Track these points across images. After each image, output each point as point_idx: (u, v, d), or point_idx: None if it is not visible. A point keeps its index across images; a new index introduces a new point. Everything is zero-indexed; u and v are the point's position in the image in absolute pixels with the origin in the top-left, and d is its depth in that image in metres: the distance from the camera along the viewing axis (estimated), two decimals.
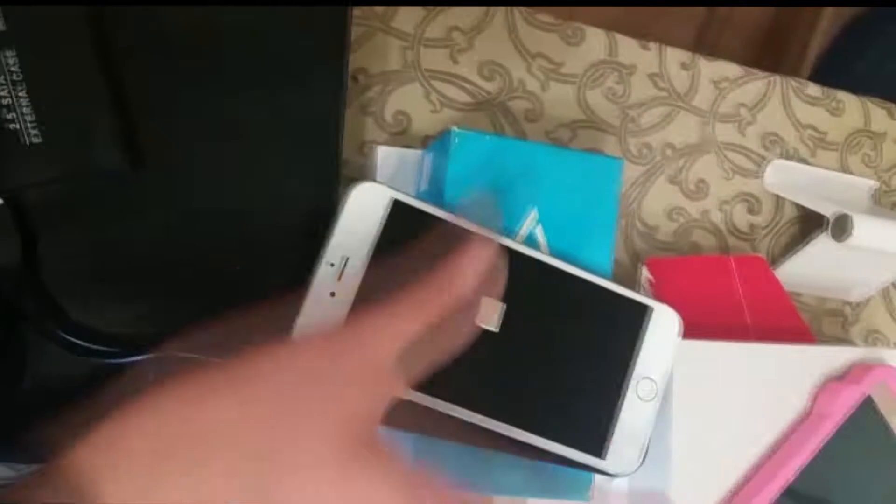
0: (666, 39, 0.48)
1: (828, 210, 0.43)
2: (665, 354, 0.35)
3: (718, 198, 0.47)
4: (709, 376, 0.36)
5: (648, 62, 0.47)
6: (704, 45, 1.21)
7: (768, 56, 1.15)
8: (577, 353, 0.34)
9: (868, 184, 0.50)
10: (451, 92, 0.43)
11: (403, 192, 0.32)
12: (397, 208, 0.32)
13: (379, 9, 0.42)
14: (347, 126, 0.41)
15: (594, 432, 0.34)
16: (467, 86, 0.44)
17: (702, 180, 0.47)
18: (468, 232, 0.29)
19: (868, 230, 0.41)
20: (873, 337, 0.50)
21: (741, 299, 0.41)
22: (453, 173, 0.33)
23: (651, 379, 0.35)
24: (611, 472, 0.34)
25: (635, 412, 0.35)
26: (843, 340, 0.49)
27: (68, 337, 0.32)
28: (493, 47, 0.44)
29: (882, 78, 0.72)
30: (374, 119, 0.42)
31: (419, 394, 0.31)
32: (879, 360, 0.38)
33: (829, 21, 0.86)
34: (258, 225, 0.34)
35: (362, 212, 0.32)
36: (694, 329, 0.40)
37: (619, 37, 0.46)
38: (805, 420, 0.38)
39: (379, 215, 0.32)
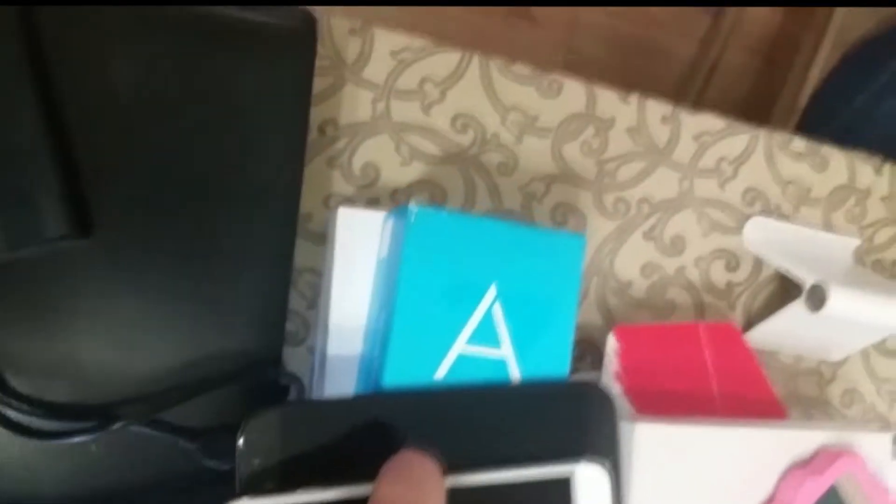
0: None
1: (804, 277, 0.42)
2: None
3: (695, 254, 0.46)
4: (670, 460, 0.36)
5: (627, 116, 0.46)
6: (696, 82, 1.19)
7: (758, 101, 1.14)
8: None
9: (850, 242, 0.48)
10: (422, 144, 0.42)
11: (270, 497, 0.30)
12: None
13: (349, 59, 0.41)
14: (313, 178, 0.41)
15: None
16: (439, 138, 0.43)
17: (678, 236, 0.46)
18: None
19: (843, 302, 0.40)
20: (850, 396, 0.49)
21: (709, 367, 0.40)
22: (410, 250, 0.33)
23: None
24: None
25: None
26: (818, 401, 0.48)
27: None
28: (466, 99, 0.43)
29: (878, 113, 0.70)
30: (342, 171, 0.41)
31: None
32: (848, 445, 0.37)
33: (827, 53, 0.84)
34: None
35: None
36: (660, 398, 0.39)
37: (598, 90, 0.45)
38: None
39: None
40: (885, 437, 0.39)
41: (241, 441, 0.30)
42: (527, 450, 0.33)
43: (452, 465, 0.30)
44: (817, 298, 0.40)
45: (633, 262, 0.45)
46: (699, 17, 1.20)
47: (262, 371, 0.34)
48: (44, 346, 0.32)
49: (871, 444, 0.38)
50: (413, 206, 0.33)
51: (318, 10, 0.40)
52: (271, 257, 0.36)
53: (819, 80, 0.80)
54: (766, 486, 0.37)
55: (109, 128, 0.33)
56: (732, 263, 0.47)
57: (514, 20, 1.17)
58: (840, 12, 0.87)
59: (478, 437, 0.33)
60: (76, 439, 0.31)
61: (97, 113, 0.33)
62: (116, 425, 0.31)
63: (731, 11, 1.14)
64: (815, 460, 0.37)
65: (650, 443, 0.35)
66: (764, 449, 0.37)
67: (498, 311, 0.34)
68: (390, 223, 0.36)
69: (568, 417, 0.34)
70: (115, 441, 0.32)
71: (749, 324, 0.47)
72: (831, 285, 0.40)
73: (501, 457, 0.32)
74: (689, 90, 1.14)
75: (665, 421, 0.36)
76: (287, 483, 0.30)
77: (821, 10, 0.90)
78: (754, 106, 1.15)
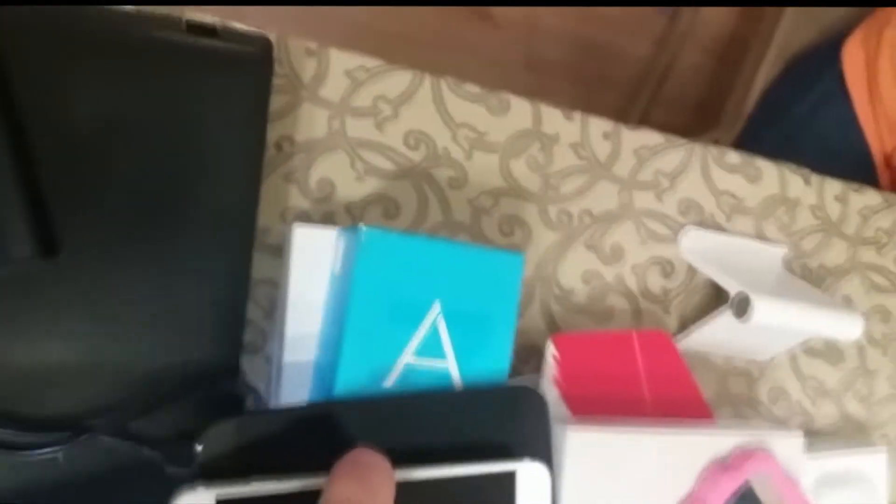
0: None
1: (732, 287, 0.45)
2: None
3: (633, 262, 0.49)
4: (599, 464, 0.39)
5: (571, 132, 0.48)
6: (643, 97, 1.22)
7: (711, 102, 1.18)
8: None
9: (779, 251, 0.52)
10: (376, 160, 0.45)
11: (226, 486, 0.31)
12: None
13: (306, 78, 0.43)
14: (270, 193, 0.43)
15: None
16: (392, 154, 0.45)
17: (617, 245, 0.49)
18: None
19: (767, 311, 0.43)
20: (776, 393, 0.53)
21: (642, 373, 0.43)
22: (361, 270, 0.35)
23: None
24: None
25: None
26: (748, 399, 0.52)
27: None
28: (418, 117, 0.45)
29: (816, 122, 0.74)
30: (298, 186, 0.43)
31: None
32: (762, 444, 0.41)
33: (773, 58, 0.88)
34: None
35: None
36: (594, 403, 0.42)
37: (543, 107, 0.48)
38: None
39: None
40: (797, 438, 0.43)
41: (199, 449, 0.32)
42: (469, 449, 0.36)
43: (401, 463, 0.33)
44: (742, 307, 0.44)
45: (574, 271, 0.48)
46: (655, 17, 1.23)
47: (221, 382, 0.36)
48: (8, 360, 0.33)
49: (783, 444, 0.42)
50: (363, 228, 0.35)
51: (277, 31, 0.42)
52: (230, 271, 0.38)
53: (764, 87, 0.83)
54: (687, 486, 0.40)
55: (70, 151, 0.34)
56: (668, 270, 0.50)
57: (474, 21, 1.19)
58: (786, 18, 0.91)
59: (424, 438, 0.36)
60: (47, 450, 0.33)
61: (58, 136, 0.34)
62: (84, 436, 0.33)
63: (686, 12, 1.17)
64: (730, 459, 0.40)
65: (581, 446, 0.38)
66: (686, 451, 0.40)
67: (442, 326, 0.36)
68: (343, 241, 0.38)
69: (506, 419, 0.37)
70: (80, 452, 0.33)
71: (683, 327, 0.50)
72: (755, 295, 0.43)
73: (446, 457, 0.35)
74: (644, 90, 1.18)
75: (595, 426, 0.39)
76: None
77: (768, 15, 0.93)
78: (706, 107, 1.19)
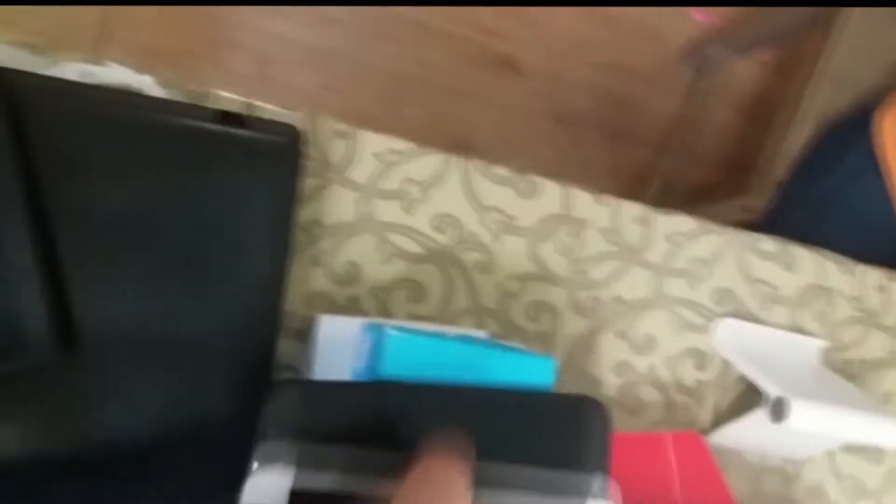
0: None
1: (768, 388, 0.43)
2: None
3: (666, 353, 0.48)
4: None
5: (601, 216, 0.47)
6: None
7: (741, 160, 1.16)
8: None
9: (817, 343, 0.50)
10: (404, 243, 0.44)
11: (300, 475, 0.32)
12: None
13: (335, 159, 0.43)
14: (297, 276, 0.42)
15: None
16: (419, 237, 0.44)
17: (650, 335, 0.47)
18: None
19: (805, 417, 0.41)
20: (815, 493, 0.50)
21: (675, 475, 0.41)
22: (387, 370, 0.34)
23: None
24: None
25: None
26: (784, 499, 0.49)
27: None
28: (446, 199, 0.44)
29: (847, 195, 0.72)
30: (324, 270, 0.42)
31: None
32: None
33: (801, 127, 0.87)
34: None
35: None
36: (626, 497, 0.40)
37: (573, 191, 0.47)
38: None
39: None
40: None
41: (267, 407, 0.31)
42: (527, 453, 0.34)
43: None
44: (779, 410, 0.42)
45: (604, 361, 0.47)
46: (682, 71, 1.23)
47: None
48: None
49: None
50: (390, 331, 0.34)
51: (306, 113, 0.41)
52: (255, 355, 0.37)
53: (795, 151, 0.82)
54: None
55: (100, 245, 0.34)
56: (702, 362, 0.48)
57: (500, 71, 1.19)
58: (817, 77, 0.90)
59: (486, 435, 0.34)
60: None
61: (87, 232, 0.34)
62: None
63: (714, 68, 1.17)
64: None
65: None
66: None
67: None
68: (369, 337, 0.37)
69: (565, 427, 0.35)
70: None
71: (717, 420, 0.48)
72: (793, 400, 0.41)
73: (505, 457, 0.34)
74: (672, 144, 1.17)
75: None
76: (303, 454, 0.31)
77: (799, 75, 0.92)
78: (735, 166, 1.17)
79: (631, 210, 0.48)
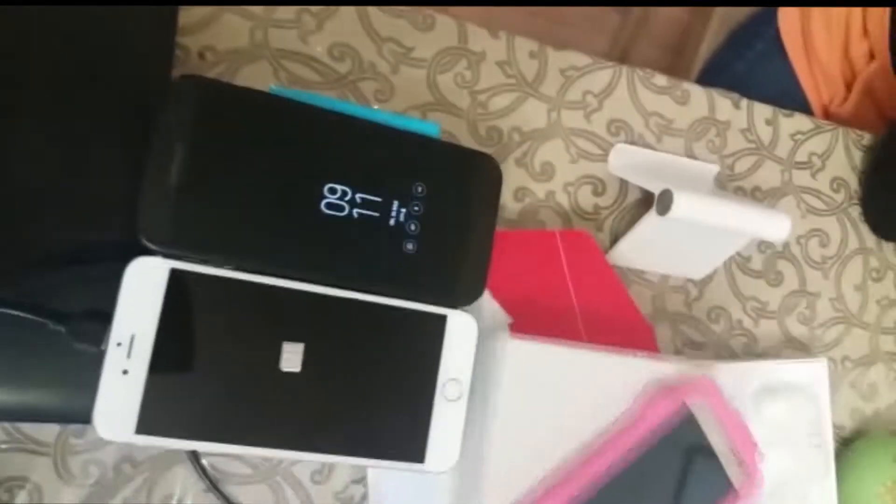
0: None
1: (657, 188, 0.45)
2: (466, 353, 0.38)
3: (564, 180, 0.49)
4: (537, 376, 0.39)
5: (497, 50, 0.49)
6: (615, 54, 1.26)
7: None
8: (383, 374, 0.38)
9: (710, 168, 0.52)
10: (301, 71, 0.45)
11: (181, 261, 0.35)
12: (177, 277, 0.35)
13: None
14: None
15: (412, 441, 0.38)
16: (318, 66, 0.45)
17: (548, 163, 0.49)
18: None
19: (687, 204, 0.43)
20: (716, 313, 0.52)
21: (565, 271, 0.43)
22: None
23: (456, 380, 0.38)
24: (433, 471, 0.38)
25: (446, 413, 0.38)
26: (686, 317, 0.51)
27: None
28: (343, 30, 0.46)
29: (755, 77, 0.76)
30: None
31: (226, 445, 0.35)
32: (706, 370, 0.41)
33: (718, 24, 0.90)
34: None
35: (142, 287, 0.34)
36: (520, 305, 0.42)
37: (469, 25, 0.48)
38: (624, 424, 0.40)
39: (159, 287, 0.34)
40: (742, 367, 0.43)
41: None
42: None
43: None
44: (666, 203, 0.44)
45: (505, 187, 0.48)
46: (609, 15, 1.26)
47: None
48: None
49: (729, 373, 0.42)
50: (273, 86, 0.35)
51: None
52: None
53: (708, 55, 0.85)
54: (622, 408, 0.40)
55: None
56: (599, 189, 0.50)
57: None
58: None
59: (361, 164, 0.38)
60: None
61: None
62: None
63: (638, 10, 1.20)
64: (671, 382, 0.40)
65: (521, 359, 0.38)
66: (628, 373, 0.40)
67: None
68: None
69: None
70: None
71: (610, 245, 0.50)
72: (677, 189, 0.43)
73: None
74: None
75: (537, 340, 0.39)
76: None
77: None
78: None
79: (525, 45, 0.49)
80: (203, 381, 0.35)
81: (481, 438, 0.39)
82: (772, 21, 0.76)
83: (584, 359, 0.40)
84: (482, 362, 0.40)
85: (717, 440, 0.41)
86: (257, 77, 0.44)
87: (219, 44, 0.44)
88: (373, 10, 0.46)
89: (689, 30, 1.16)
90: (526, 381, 0.39)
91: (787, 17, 0.75)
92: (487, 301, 0.43)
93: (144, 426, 0.34)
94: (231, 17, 0.44)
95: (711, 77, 0.80)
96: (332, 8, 0.46)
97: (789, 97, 0.73)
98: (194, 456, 0.41)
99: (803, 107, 0.74)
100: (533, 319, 0.42)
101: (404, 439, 0.37)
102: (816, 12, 0.73)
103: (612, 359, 0.41)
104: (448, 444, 0.38)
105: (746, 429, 0.43)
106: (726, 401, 0.42)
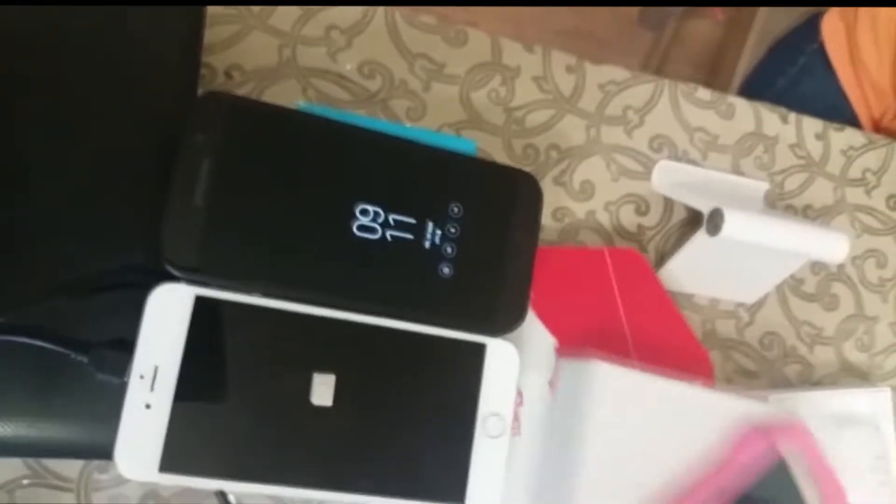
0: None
1: (706, 206, 0.43)
2: (507, 386, 0.36)
3: (605, 199, 0.47)
4: (628, 407, 0.37)
5: (533, 65, 0.47)
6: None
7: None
8: (418, 408, 0.35)
9: (760, 185, 0.50)
10: (330, 89, 0.43)
11: (206, 288, 0.33)
12: (202, 304, 0.33)
13: (255, 7, 0.43)
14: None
15: (451, 481, 0.35)
16: (348, 84, 0.44)
17: (588, 181, 0.47)
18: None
19: (740, 223, 0.41)
20: (769, 339, 0.49)
21: (615, 290, 0.41)
22: None
23: (497, 414, 0.35)
24: None
25: (487, 451, 0.35)
26: (737, 343, 0.48)
27: None
28: (373, 47, 0.44)
29: (799, 92, 0.73)
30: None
31: (253, 484, 0.32)
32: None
33: (756, 41, 0.88)
34: None
35: (166, 315, 0.32)
36: (565, 326, 0.40)
37: (503, 40, 0.47)
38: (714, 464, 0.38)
39: (184, 315, 0.32)
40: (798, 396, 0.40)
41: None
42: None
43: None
44: (716, 222, 0.41)
45: (544, 206, 0.46)
46: (642, 33, 1.24)
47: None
48: None
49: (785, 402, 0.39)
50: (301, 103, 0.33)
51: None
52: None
53: (747, 71, 0.83)
54: (710, 444, 0.37)
55: None
56: (643, 208, 0.48)
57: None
58: (762, 12, 0.91)
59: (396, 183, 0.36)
60: None
61: None
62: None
63: (670, 27, 1.18)
64: (762, 424, 0.38)
65: (615, 388, 0.36)
66: (718, 410, 0.38)
67: None
68: None
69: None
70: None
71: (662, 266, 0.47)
72: (728, 208, 0.41)
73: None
74: None
75: (630, 368, 0.37)
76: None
77: (745, 13, 0.93)
78: None
79: (562, 59, 0.48)
80: (229, 415, 0.33)
81: (565, 471, 0.36)
82: (814, 35, 0.74)
83: (674, 391, 0.38)
84: (562, 387, 0.38)
85: (809, 493, 0.38)
86: (285, 96, 0.42)
87: (246, 62, 0.42)
88: (403, 26, 0.45)
89: (725, 48, 1.14)
90: (618, 412, 0.36)
91: (832, 31, 0.72)
92: (531, 321, 0.41)
93: (168, 464, 0.32)
94: (258, 35, 0.43)
95: (752, 94, 0.77)
96: (362, 24, 0.44)
97: (837, 112, 0.70)
98: (221, 494, 0.39)
99: (852, 121, 0.71)
100: (580, 342, 0.40)
101: (442, 479, 0.34)
102: (862, 25, 0.70)
103: (703, 394, 0.38)
104: (489, 484, 0.35)
105: (839, 484, 0.39)
106: (821, 452, 0.39)
